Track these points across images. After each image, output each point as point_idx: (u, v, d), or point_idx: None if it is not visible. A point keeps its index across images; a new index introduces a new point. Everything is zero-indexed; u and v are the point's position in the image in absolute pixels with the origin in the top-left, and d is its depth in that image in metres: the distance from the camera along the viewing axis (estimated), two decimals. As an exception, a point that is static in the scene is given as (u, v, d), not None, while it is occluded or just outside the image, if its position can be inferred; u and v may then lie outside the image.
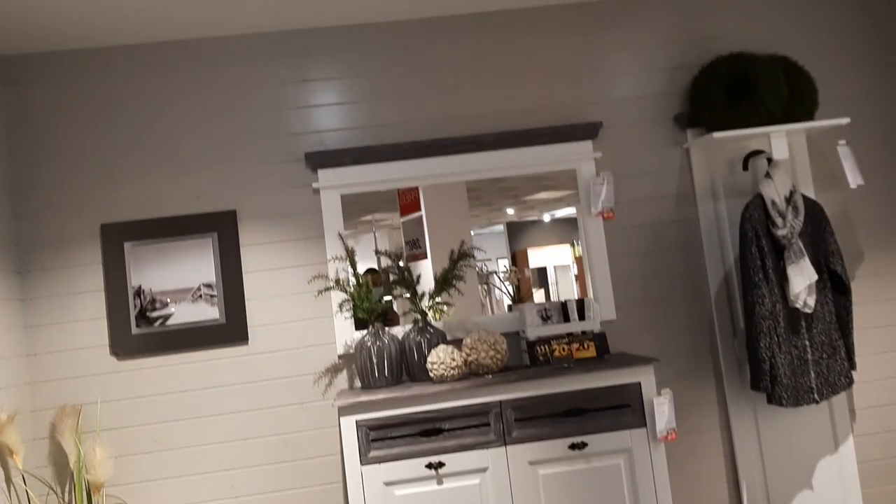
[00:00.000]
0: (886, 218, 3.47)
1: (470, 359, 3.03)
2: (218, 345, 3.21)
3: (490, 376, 2.96)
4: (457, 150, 3.34)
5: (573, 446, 2.90)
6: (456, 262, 3.20)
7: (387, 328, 3.14)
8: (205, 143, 3.27)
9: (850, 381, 3.23)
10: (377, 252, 3.33)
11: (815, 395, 3.14)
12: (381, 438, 2.86)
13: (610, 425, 2.92)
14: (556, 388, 2.92)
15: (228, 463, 3.16)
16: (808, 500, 3.29)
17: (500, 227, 3.61)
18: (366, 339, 3.08)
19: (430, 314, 3.22)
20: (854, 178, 3.23)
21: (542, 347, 3.10)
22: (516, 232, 3.59)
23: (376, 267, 3.35)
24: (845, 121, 3.25)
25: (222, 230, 3.25)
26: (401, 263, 3.19)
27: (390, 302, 3.24)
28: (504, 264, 3.54)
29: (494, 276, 3.60)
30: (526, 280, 3.58)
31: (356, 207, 3.34)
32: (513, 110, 3.39)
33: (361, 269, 3.29)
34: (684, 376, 3.34)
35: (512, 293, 3.64)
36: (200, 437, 3.16)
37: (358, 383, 3.23)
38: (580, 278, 3.42)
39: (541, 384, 2.92)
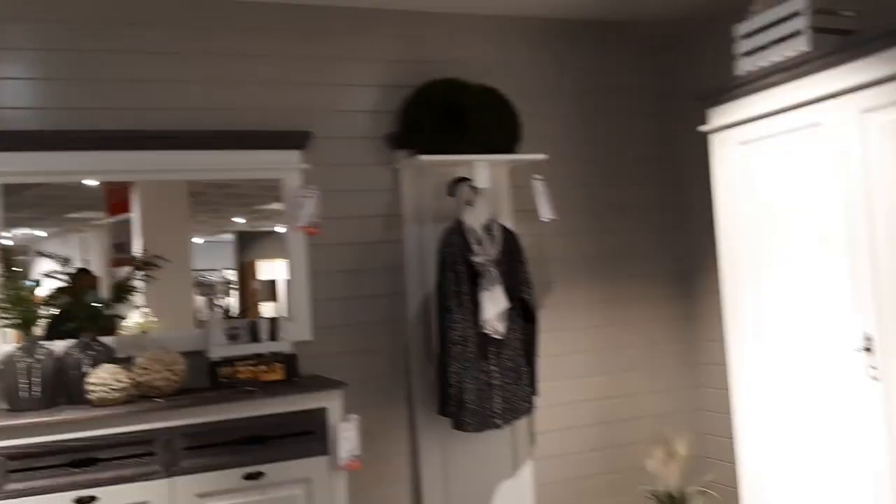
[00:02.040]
0: (574, 252, 3.68)
1: (142, 380, 2.72)
2: None
3: (161, 400, 2.67)
4: (148, 145, 3.01)
5: (249, 476, 2.70)
6: (135, 268, 2.88)
7: (42, 342, 2.73)
8: None
9: (532, 407, 3.37)
10: (42, 253, 2.92)
11: (499, 421, 3.22)
12: (23, 469, 2.46)
13: (291, 453, 2.76)
14: (235, 414, 2.71)
15: None
16: (487, 522, 3.37)
17: (230, 237, 3.38)
18: (15, 353, 2.65)
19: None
20: (545, 212, 3.38)
21: (227, 369, 2.88)
22: (249, 242, 3.36)
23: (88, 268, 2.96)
24: (543, 157, 3.40)
25: None
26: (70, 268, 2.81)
27: (100, 309, 2.83)
28: (230, 276, 3.30)
29: (205, 286, 3.34)
30: (252, 293, 3.35)
31: (63, 203, 2.94)
32: (221, 108, 3.14)
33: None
34: (377, 402, 3.28)
35: (226, 307, 3.39)
36: None
37: (4, 405, 2.78)
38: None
39: (219, 409, 2.69)
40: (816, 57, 2.60)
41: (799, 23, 2.67)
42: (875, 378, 2.47)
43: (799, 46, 2.66)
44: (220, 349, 2.91)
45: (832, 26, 2.66)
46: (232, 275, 3.33)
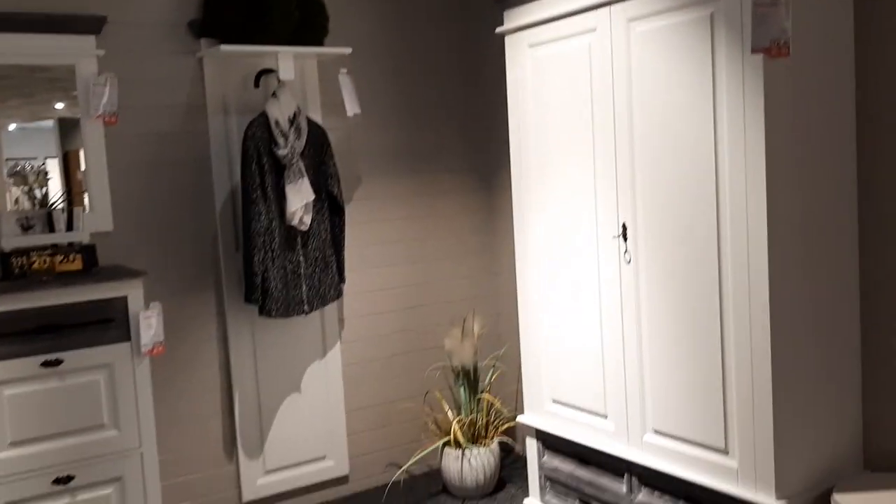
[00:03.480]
0: (382, 146, 3.82)
1: (-76, 270, 2.65)
2: None
3: (-54, 290, 2.62)
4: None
5: (46, 363, 2.73)
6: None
7: None
8: None
9: (340, 294, 3.55)
10: None
11: (306, 307, 3.39)
12: None
13: (90, 341, 2.81)
14: (29, 303, 2.71)
15: None
16: (296, 401, 3.58)
17: (50, 123, 3.21)
18: None
19: None
20: (351, 107, 3.48)
21: (19, 259, 2.83)
22: (73, 129, 3.20)
23: None
24: (348, 50, 3.47)
25: None
26: None
27: None
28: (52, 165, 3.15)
29: (19, 176, 3.21)
30: (78, 183, 3.24)
31: None
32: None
33: None
34: (185, 290, 3.34)
35: (39, 197, 3.27)
36: None
37: None
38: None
39: (10, 299, 2.67)
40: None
41: (580, -68, 2.85)
42: (628, 262, 2.82)
43: (579, -45, 2.85)
44: (13, 240, 2.85)
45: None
46: (54, 164, 3.21)
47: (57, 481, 2.74)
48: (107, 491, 2.83)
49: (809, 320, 2.52)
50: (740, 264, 2.45)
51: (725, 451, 2.55)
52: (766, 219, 2.36)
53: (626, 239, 2.82)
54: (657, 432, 2.79)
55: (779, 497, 2.42)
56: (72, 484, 2.77)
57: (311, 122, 3.42)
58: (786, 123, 2.41)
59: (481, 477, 3.60)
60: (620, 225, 2.83)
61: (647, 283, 2.76)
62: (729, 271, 2.49)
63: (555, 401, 3.22)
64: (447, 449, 3.64)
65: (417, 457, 3.74)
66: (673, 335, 2.69)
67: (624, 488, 2.94)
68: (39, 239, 2.90)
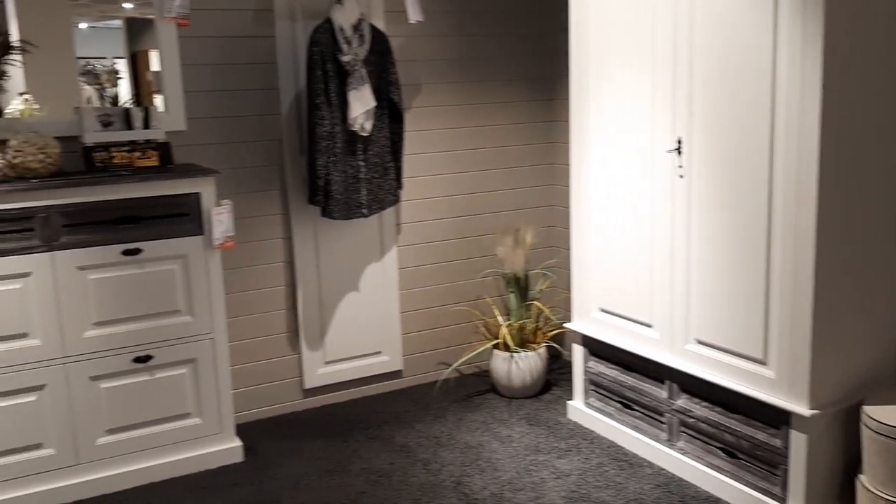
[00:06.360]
0: (442, 55, 3.86)
1: (16, 161, 2.84)
2: None
3: (37, 181, 2.82)
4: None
5: (127, 252, 2.94)
6: (2, 54, 2.90)
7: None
8: None
9: (397, 199, 3.68)
10: None
11: (365, 210, 3.53)
12: None
13: (167, 233, 3.01)
14: (110, 195, 2.90)
15: None
16: (355, 300, 3.77)
17: (118, 23, 3.33)
18: None
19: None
20: (414, 14, 3.51)
21: (101, 154, 3.02)
22: (141, 30, 3.32)
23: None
24: (414, -42, 3.48)
25: None
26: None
27: None
28: (121, 65, 3.28)
29: (91, 75, 3.36)
30: (147, 84, 3.39)
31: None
32: None
33: None
34: (253, 189, 3.51)
35: (111, 96, 3.44)
36: None
37: None
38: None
39: (94, 190, 2.87)
40: None
41: None
42: (681, 176, 2.87)
43: None
44: (93, 135, 3.02)
45: None
46: (122, 64, 3.34)
47: (137, 360, 2.99)
48: (182, 371, 3.08)
49: (853, 237, 2.56)
50: (790, 179, 2.48)
51: (764, 362, 2.65)
52: (818, 134, 2.38)
53: (680, 153, 2.87)
54: (699, 342, 2.89)
55: (812, 406, 2.53)
56: (150, 363, 3.02)
57: (374, 29, 3.48)
58: (845, 44, 2.40)
59: (528, 378, 3.77)
60: (676, 139, 2.87)
61: (699, 197, 2.82)
62: (779, 186, 2.53)
63: (602, 309, 3.33)
64: (496, 351, 3.81)
65: (467, 357, 3.92)
66: (720, 249, 2.76)
67: (665, 394, 3.07)
68: (118, 135, 3.06)
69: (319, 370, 3.74)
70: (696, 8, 2.72)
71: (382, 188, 3.58)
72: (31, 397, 2.85)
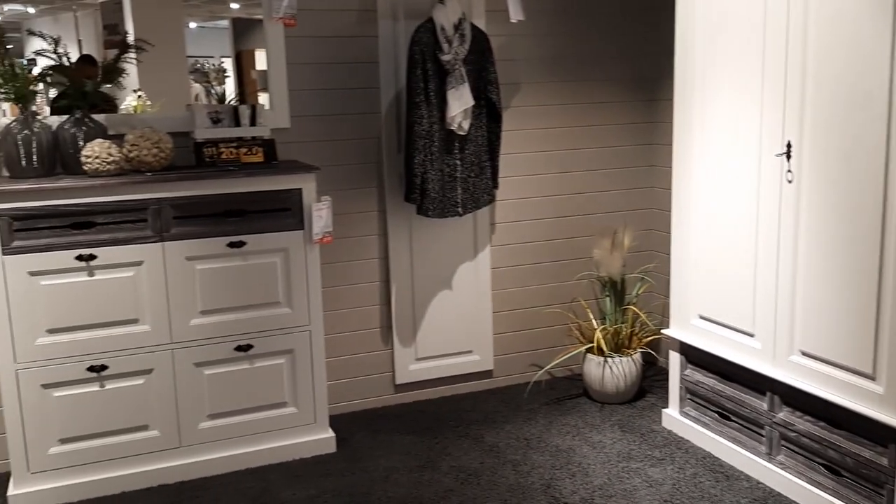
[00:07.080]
0: (542, 54, 3.84)
1: (131, 155, 2.99)
2: None
3: (150, 174, 2.96)
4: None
5: (232, 244, 3.04)
6: (121, 52, 3.06)
7: (38, 116, 2.96)
8: None
9: (492, 199, 3.68)
10: (33, 32, 3.07)
11: (460, 209, 3.55)
12: (26, 229, 2.79)
13: (270, 227, 3.10)
14: (218, 190, 3.01)
15: None
16: (447, 298, 3.79)
17: (225, 23, 3.47)
18: (12, 126, 2.89)
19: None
20: (515, 13, 3.50)
21: (210, 150, 3.13)
22: (246, 30, 3.46)
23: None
24: (515, -42, 3.47)
25: None
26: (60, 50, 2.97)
27: (97, 90, 3.01)
28: (227, 64, 3.43)
29: (200, 73, 3.50)
30: (252, 82, 3.53)
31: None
32: None
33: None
34: (351, 186, 3.58)
35: (218, 94, 3.58)
36: None
37: (6, 173, 3.06)
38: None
39: (203, 185, 2.98)
40: None
41: None
42: (790, 181, 2.76)
43: None
44: (204, 131, 3.14)
45: None
46: (228, 63, 3.47)
47: (238, 348, 3.10)
48: (280, 361, 3.18)
49: (984, 251, 2.40)
50: (911, 188, 2.35)
51: (872, 377, 2.52)
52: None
53: (789, 158, 2.76)
54: (804, 354, 2.77)
55: (927, 426, 2.39)
56: (251, 352, 3.12)
57: (474, 28, 3.49)
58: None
59: (622, 384, 3.71)
60: (785, 143, 2.76)
61: (808, 202, 2.70)
62: (894, 192, 2.40)
63: (702, 317, 3.24)
64: (589, 355, 3.76)
65: (560, 360, 3.88)
66: (830, 258, 2.64)
67: (765, 405, 2.96)
68: (227, 132, 3.17)
69: (411, 366, 3.78)
70: (811, 6, 2.61)
71: (478, 187, 3.59)
72: (139, 380, 2.99)
